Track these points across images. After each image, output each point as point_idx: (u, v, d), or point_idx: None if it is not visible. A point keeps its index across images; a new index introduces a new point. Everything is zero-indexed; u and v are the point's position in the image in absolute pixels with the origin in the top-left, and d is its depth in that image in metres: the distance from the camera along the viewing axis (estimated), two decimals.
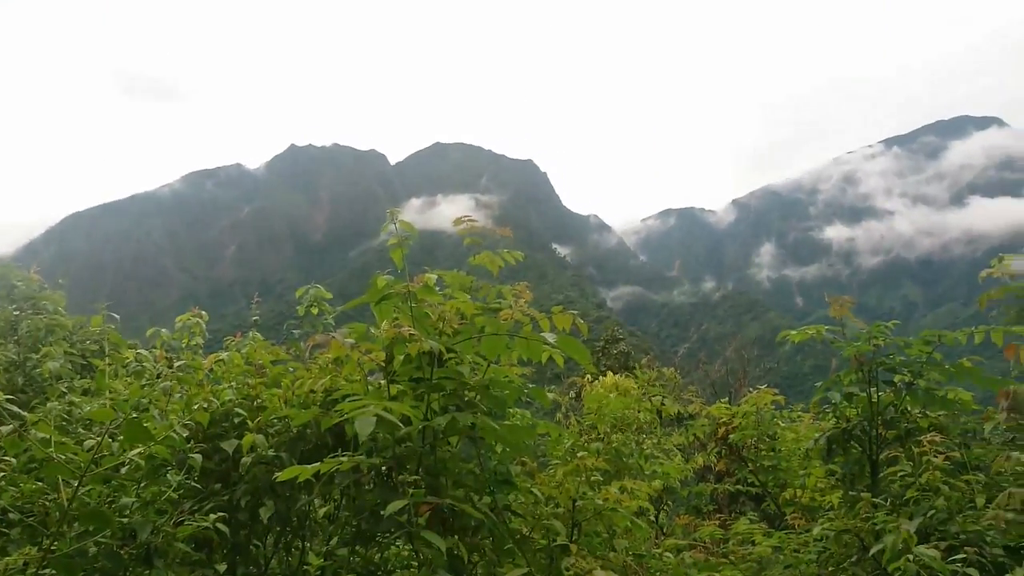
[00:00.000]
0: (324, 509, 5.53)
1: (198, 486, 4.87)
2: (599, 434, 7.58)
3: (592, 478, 5.35)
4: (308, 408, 4.98)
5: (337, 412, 4.15)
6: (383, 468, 4.48)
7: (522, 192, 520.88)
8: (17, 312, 8.84)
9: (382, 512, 3.97)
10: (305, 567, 5.43)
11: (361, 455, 4.19)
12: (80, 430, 5.57)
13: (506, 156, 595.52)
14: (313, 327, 8.54)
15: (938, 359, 6.12)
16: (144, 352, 6.59)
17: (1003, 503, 4.50)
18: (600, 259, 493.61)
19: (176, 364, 5.03)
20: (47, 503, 4.30)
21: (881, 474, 6.01)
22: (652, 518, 9.15)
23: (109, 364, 5.83)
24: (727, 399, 10.69)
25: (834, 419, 6.72)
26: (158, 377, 4.92)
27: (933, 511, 5.04)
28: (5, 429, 4.07)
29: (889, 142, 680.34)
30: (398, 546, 5.34)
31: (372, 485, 4.49)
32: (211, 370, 5.80)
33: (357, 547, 4.89)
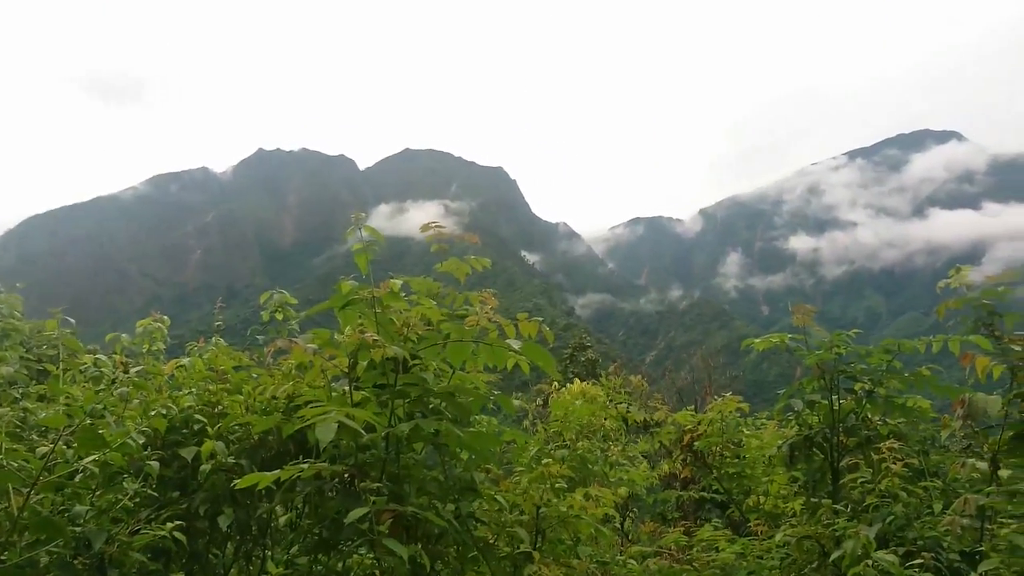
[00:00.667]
0: (285, 517, 5.45)
1: (155, 494, 4.77)
2: (565, 441, 7.58)
3: (557, 485, 5.34)
4: (270, 415, 4.92)
5: (299, 419, 4.10)
6: (345, 475, 4.43)
7: (492, 199, 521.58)
8: None
9: (344, 520, 3.92)
10: None
11: (323, 462, 4.14)
12: (34, 437, 5.43)
13: (476, 163, 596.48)
14: (278, 333, 8.44)
15: (898, 367, 6.22)
16: (103, 357, 6.45)
17: (959, 509, 4.59)
18: (569, 267, 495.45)
19: (134, 369, 4.93)
20: None
21: (842, 481, 6.09)
22: (617, 525, 9.17)
23: (66, 370, 5.69)
24: (693, 407, 10.75)
25: (797, 426, 6.79)
26: (114, 382, 4.82)
27: (892, 517, 5.11)
28: None
29: (852, 154, 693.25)
30: (360, 554, 5.28)
31: (334, 493, 4.43)
32: (172, 376, 5.70)
33: (319, 556, 4.82)
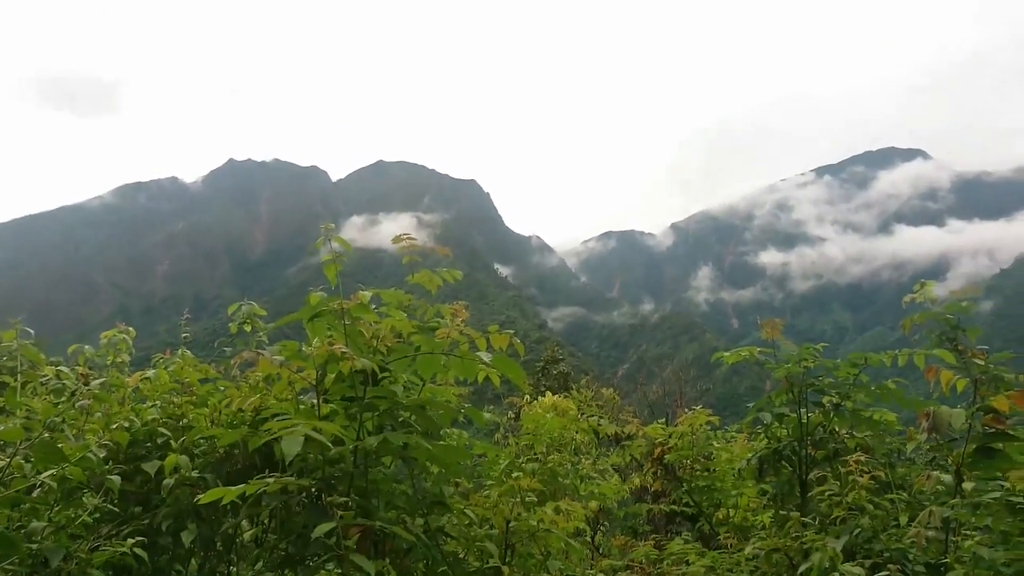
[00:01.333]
0: (251, 532, 5.35)
1: (116, 509, 4.66)
2: (535, 454, 7.56)
3: (527, 499, 5.32)
4: (236, 428, 4.84)
5: (265, 431, 4.04)
6: (313, 489, 4.37)
7: (465, 212, 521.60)
8: None
9: (310, 535, 3.86)
10: None
11: (290, 476, 4.07)
12: None
13: (449, 176, 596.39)
14: (246, 345, 8.33)
15: (864, 381, 6.30)
16: (64, 369, 6.31)
17: (924, 521, 4.64)
18: (541, 280, 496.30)
19: (95, 381, 4.82)
20: None
21: (810, 493, 6.14)
22: (588, 539, 9.15)
23: (25, 382, 5.55)
24: (664, 420, 10.79)
25: (766, 439, 6.84)
26: (73, 395, 4.71)
27: (859, 529, 5.16)
28: None
29: (821, 171, 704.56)
30: (327, 570, 5.20)
31: (301, 507, 4.37)
32: (136, 388, 5.59)
33: (285, 571, 4.74)
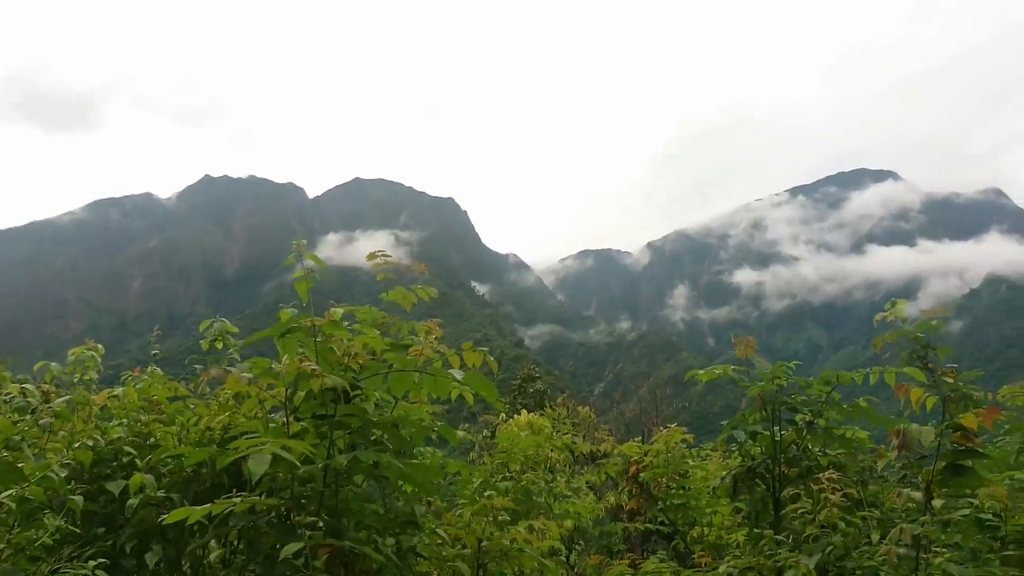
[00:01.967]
0: (217, 553, 5.25)
1: (78, 531, 4.55)
2: (510, 473, 7.51)
3: (499, 518, 5.27)
4: (204, 446, 4.75)
5: (233, 450, 3.96)
6: (282, 509, 4.29)
7: (442, 230, 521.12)
8: None
9: (279, 555, 3.79)
10: None
11: (259, 495, 4.00)
12: None
13: (427, 193, 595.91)
14: (217, 362, 8.22)
15: (837, 399, 6.33)
16: (30, 387, 6.18)
17: (895, 539, 4.66)
18: (518, 298, 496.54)
19: (59, 399, 4.72)
20: None
21: (784, 511, 6.14)
22: (563, 558, 9.08)
23: None
24: (640, 438, 10.78)
25: (740, 457, 6.85)
26: (33, 412, 4.60)
27: (831, 547, 5.16)
28: None
29: (794, 191, 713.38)
30: None
31: (269, 527, 4.29)
32: (104, 407, 5.48)
33: None
